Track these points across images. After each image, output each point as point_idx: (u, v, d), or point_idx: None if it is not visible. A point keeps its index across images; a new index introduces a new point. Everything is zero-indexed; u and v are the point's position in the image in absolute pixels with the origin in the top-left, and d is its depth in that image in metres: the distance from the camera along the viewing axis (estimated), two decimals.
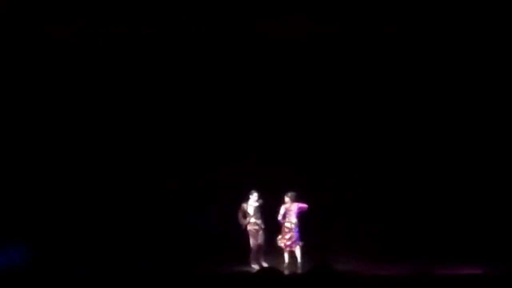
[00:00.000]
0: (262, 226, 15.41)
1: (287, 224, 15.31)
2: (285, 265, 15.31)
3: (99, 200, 16.92)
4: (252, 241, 15.43)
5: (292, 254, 15.41)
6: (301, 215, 15.33)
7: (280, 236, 15.39)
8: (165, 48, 16.99)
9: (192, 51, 17.04)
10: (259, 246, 15.39)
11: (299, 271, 15.05)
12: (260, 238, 15.40)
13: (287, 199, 15.34)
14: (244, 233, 15.49)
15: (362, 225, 16.32)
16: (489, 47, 16.58)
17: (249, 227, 15.43)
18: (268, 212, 15.51)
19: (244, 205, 15.45)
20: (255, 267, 15.10)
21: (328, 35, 16.56)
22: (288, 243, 15.32)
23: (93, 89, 17.16)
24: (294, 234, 15.29)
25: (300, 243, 15.31)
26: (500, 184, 16.52)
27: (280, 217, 15.34)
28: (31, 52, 16.84)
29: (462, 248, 15.61)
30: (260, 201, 15.43)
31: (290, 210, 15.32)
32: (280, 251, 15.46)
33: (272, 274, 10.48)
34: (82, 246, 16.15)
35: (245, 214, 15.42)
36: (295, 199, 15.34)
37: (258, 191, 15.47)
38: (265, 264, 15.14)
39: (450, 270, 13.49)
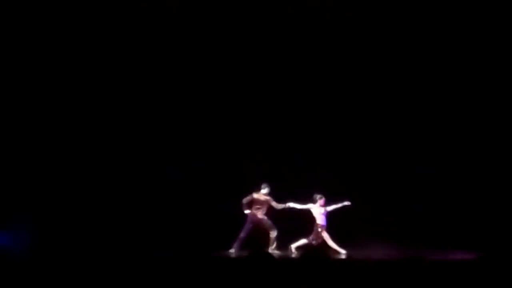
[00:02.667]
0: (264, 218, 15.49)
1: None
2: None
3: (96, 184, 16.88)
4: (245, 229, 15.53)
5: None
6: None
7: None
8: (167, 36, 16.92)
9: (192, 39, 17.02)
10: (245, 235, 15.47)
11: (292, 255, 15.18)
12: (254, 229, 15.51)
13: (322, 201, 15.47)
14: (244, 219, 15.63)
15: (354, 211, 16.35)
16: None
17: (249, 216, 15.57)
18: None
19: (255, 194, 15.56)
20: (232, 251, 15.30)
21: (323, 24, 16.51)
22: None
23: (88, 78, 17.11)
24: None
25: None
26: (491, 171, 16.53)
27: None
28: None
29: (453, 233, 15.69)
30: (269, 197, 15.53)
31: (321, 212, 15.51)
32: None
33: (263, 258, 10.46)
34: (77, 231, 16.14)
35: (251, 203, 15.55)
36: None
37: (270, 185, 15.60)
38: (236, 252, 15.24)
39: (442, 255, 13.55)
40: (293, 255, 15.17)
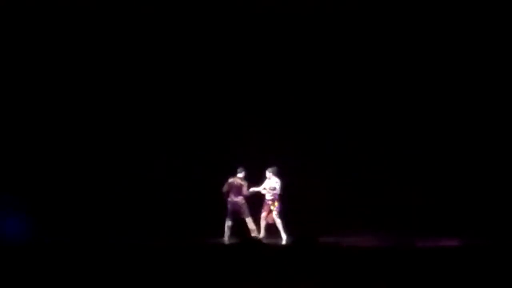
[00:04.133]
0: (241, 203, 15.57)
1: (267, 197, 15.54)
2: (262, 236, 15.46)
3: (89, 173, 17.08)
4: (228, 215, 15.62)
5: (270, 226, 15.55)
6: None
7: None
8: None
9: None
10: (232, 222, 15.55)
11: (283, 243, 15.25)
12: (235, 214, 15.58)
13: (268, 174, 15.50)
14: (224, 205, 15.67)
15: (345, 198, 16.48)
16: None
17: (229, 202, 15.63)
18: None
19: (230, 180, 15.61)
20: (224, 239, 15.37)
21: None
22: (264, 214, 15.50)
23: (78, 69, 17.20)
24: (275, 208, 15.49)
25: (278, 219, 15.48)
26: (480, 160, 16.70)
27: (261, 189, 15.52)
28: None
29: (441, 221, 15.84)
30: (244, 181, 15.57)
31: (269, 185, 15.52)
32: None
33: (254, 246, 10.57)
34: (67, 219, 16.29)
35: (229, 189, 15.59)
36: (276, 174, 15.48)
37: (246, 169, 15.60)
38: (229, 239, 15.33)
39: (430, 243, 13.69)
40: (284, 242, 15.25)
